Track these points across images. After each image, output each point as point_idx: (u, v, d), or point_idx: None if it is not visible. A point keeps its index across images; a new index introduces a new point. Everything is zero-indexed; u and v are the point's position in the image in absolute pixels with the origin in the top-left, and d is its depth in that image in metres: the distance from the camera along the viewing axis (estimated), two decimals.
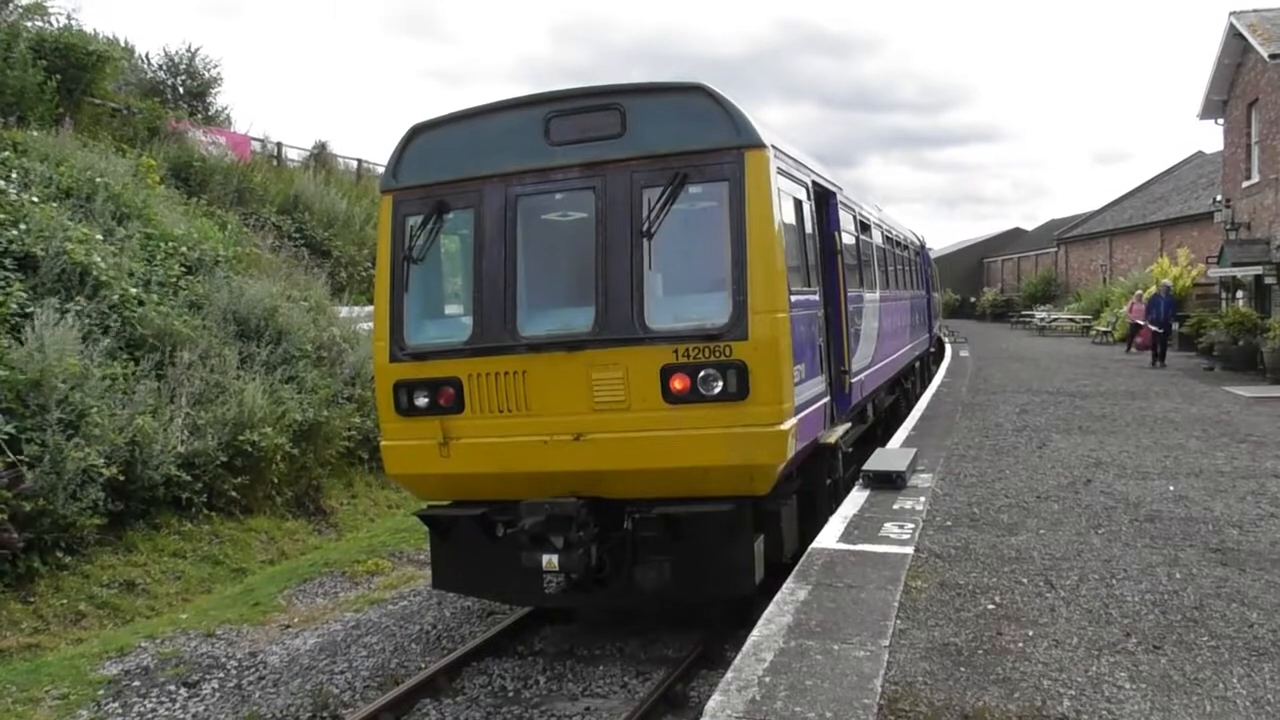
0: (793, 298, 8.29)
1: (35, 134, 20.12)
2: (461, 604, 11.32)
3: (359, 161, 39.29)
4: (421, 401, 8.46)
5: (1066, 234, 60.86)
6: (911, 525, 8.47)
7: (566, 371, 8.09)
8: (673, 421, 7.84)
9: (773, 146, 8.29)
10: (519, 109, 8.50)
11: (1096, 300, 45.50)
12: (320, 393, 17.85)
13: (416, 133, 8.80)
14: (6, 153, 17.93)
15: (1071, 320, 46.01)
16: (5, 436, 11.94)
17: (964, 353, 32.58)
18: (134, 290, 16.32)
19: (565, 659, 9.49)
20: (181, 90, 33.51)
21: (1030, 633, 6.19)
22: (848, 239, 12.12)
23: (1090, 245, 56.16)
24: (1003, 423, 15.55)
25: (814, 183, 10.25)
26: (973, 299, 72.37)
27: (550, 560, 8.04)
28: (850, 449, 11.30)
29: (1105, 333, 38.49)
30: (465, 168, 8.56)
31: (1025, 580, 7.26)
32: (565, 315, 8.36)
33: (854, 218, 13.07)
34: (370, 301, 10.03)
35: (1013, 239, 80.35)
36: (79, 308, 14.69)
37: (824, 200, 10.78)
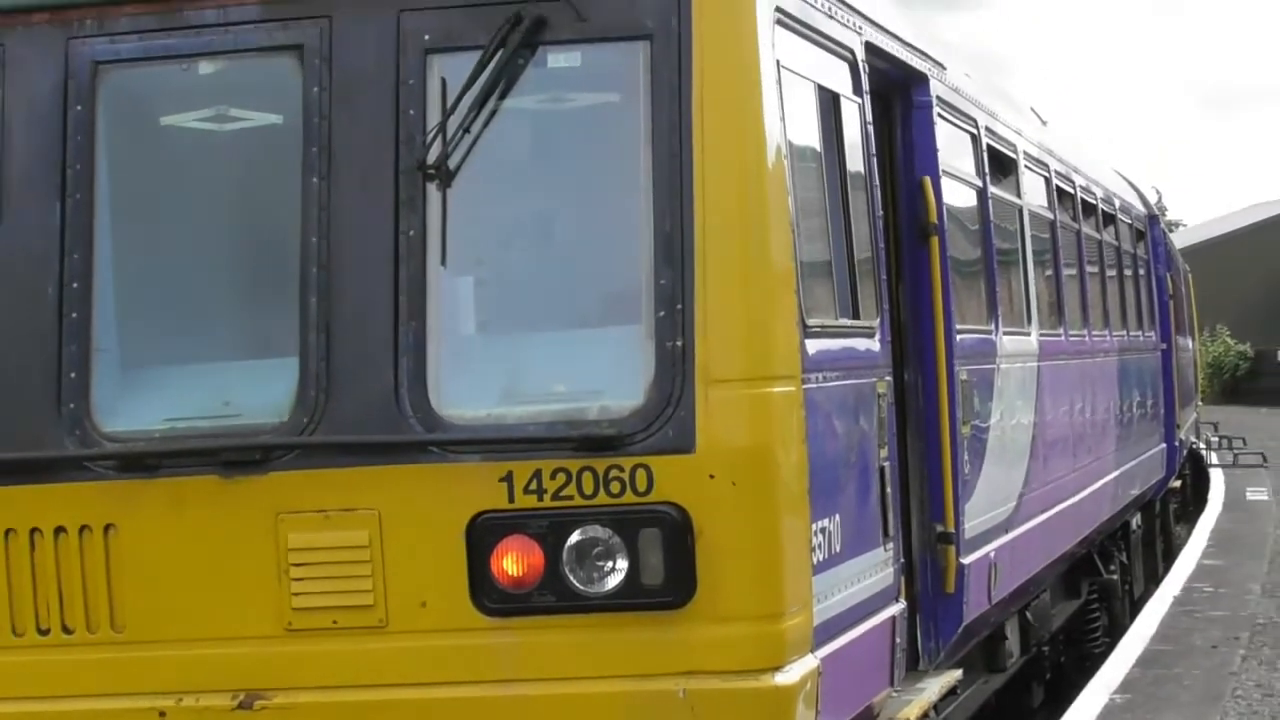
0: (814, 344, 4.94)
1: None
2: None
3: None
4: None
5: None
6: None
7: (220, 529, 4.71)
8: (498, 663, 4.59)
9: None
10: None
11: None
12: None
13: None
14: None
15: None
16: None
17: (1257, 493, 20.36)
18: None
19: None
20: None
21: None
22: (959, 194, 7.61)
23: None
24: None
25: (871, 49, 6.27)
26: None
27: None
28: None
29: None
30: None
31: None
32: (219, 380, 4.97)
33: (974, 140, 8.24)
34: None
35: None
36: None
37: (899, 94, 6.97)
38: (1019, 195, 9.48)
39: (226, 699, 4.62)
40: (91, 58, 4.93)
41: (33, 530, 4.76)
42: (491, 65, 4.62)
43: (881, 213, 6.26)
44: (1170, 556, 15.61)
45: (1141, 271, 15.61)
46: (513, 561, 4.54)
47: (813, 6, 5.49)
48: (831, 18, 5.70)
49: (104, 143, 4.96)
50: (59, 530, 4.75)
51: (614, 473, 4.52)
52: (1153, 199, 17.14)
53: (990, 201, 8.35)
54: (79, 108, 4.91)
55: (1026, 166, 9.83)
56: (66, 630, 4.76)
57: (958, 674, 6.96)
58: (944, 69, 7.65)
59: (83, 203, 4.88)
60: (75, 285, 4.81)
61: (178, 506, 4.73)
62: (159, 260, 5.25)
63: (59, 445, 4.78)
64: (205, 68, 5.07)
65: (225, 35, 4.95)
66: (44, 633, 4.78)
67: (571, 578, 4.52)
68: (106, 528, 4.74)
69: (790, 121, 5.02)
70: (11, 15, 4.94)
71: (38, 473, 4.79)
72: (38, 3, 4.95)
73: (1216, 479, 22.43)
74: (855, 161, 5.95)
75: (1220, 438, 27.08)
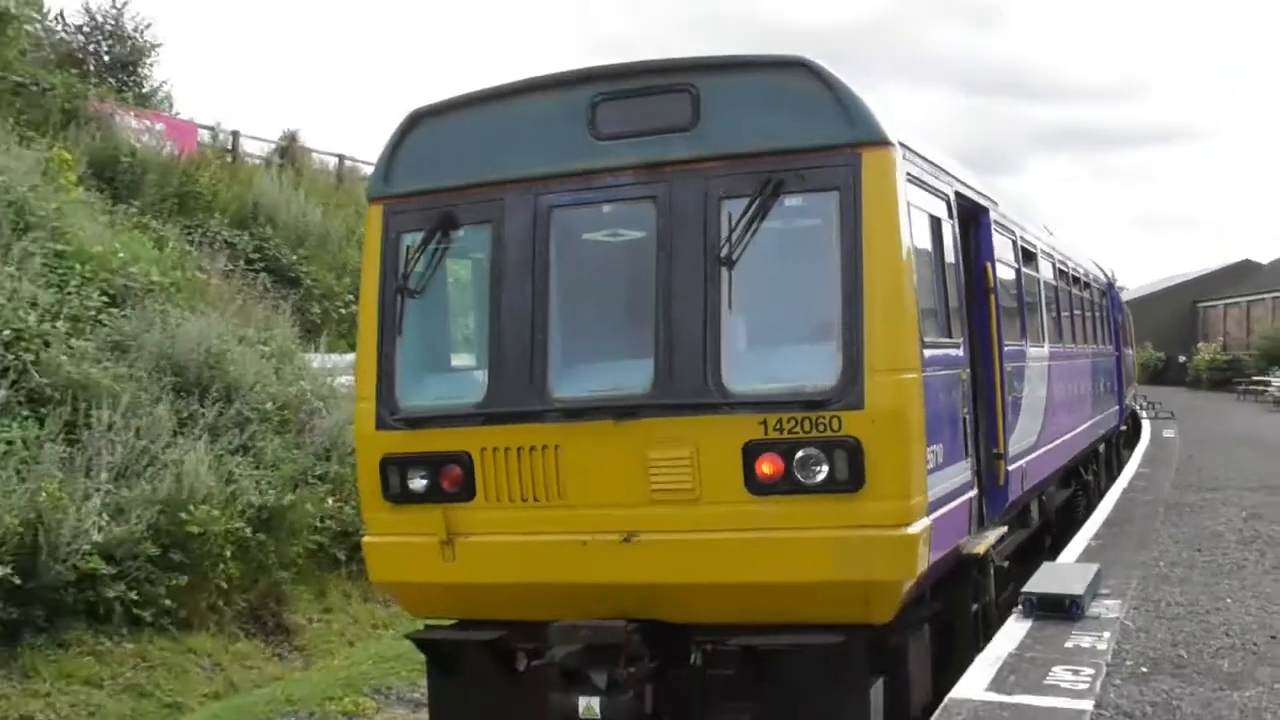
0: (927, 352, 7.28)
1: None
2: None
3: (340, 158, 34.31)
4: (418, 484, 7.49)
5: None
6: (1091, 671, 7.02)
7: (614, 448, 7.13)
8: (759, 519, 6.89)
9: (901, 144, 7.23)
10: (554, 89, 7.51)
11: None
12: (284, 468, 14.75)
13: (417, 120, 7.78)
14: None
15: None
16: None
17: (1169, 433, 26.79)
18: (38, 325, 13.34)
19: None
20: (106, 58, 28.25)
21: None
22: (1005, 272, 10.45)
23: None
24: (1223, 532, 12.73)
25: (958, 194, 8.88)
26: (1182, 358, 57.09)
27: (590, 705, 6.92)
28: (1006, 563, 9.81)
29: None
30: (482, 168, 7.59)
31: None
32: (613, 371, 7.45)
33: (1013, 243, 11.29)
34: (352, 347, 9.06)
35: (1241, 275, 60.96)
36: None
37: (972, 219, 9.51)
38: (1038, 272, 12.76)
39: (617, 536, 7.04)
40: (548, 204, 7.45)
41: (519, 449, 7.30)
42: (754, 205, 6.98)
43: (963, 281, 8.84)
44: (1120, 468, 20.25)
45: (1104, 314, 20.70)
46: (767, 467, 6.86)
47: (926, 172, 7.93)
48: (936, 178, 8.21)
49: (554, 248, 7.48)
50: (533, 449, 7.28)
51: (820, 420, 6.80)
52: (1110, 274, 23.26)
53: (1022, 276, 11.47)
54: (541, 229, 7.45)
55: (1042, 256, 13.20)
56: (536, 499, 7.28)
57: (1004, 529, 9.60)
58: (997, 204, 10.38)
59: (542, 280, 7.41)
60: (538, 324, 7.37)
61: (592, 437, 7.18)
62: (582, 309, 7.70)
63: (532, 404, 7.28)
64: (606, 208, 7.59)
65: (616, 190, 7.40)
66: (524, 500, 7.31)
67: (798, 475, 6.82)
68: (556, 447, 7.25)
69: (914, 234, 7.41)
70: (504, 184, 7.49)
71: (523, 419, 7.30)
72: (521, 176, 7.46)
73: (1146, 426, 28.32)
74: (949, 255, 8.50)
75: (1148, 403, 34.36)
